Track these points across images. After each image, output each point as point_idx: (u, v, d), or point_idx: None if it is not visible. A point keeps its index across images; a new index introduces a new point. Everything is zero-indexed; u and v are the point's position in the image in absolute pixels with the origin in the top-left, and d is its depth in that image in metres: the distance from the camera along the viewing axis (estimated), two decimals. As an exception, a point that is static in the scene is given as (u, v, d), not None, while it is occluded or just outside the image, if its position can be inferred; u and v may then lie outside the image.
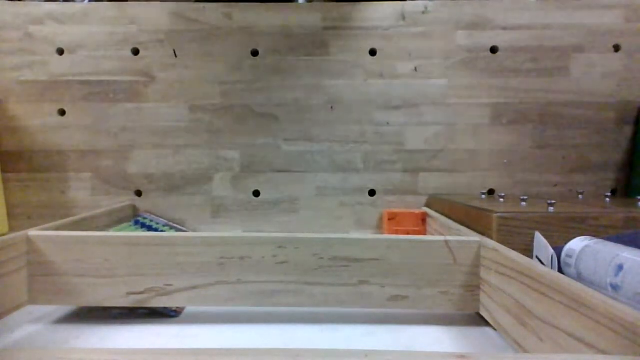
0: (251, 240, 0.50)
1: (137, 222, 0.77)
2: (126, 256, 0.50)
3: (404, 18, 0.82)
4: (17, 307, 0.49)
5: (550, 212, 0.54)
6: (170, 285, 0.50)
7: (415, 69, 0.83)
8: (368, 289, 0.50)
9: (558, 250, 0.47)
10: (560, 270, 0.47)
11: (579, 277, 0.44)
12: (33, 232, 0.51)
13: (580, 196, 0.75)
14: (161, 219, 0.83)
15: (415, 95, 0.83)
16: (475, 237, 0.51)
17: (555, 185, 0.84)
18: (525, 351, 0.38)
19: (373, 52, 0.83)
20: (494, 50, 0.83)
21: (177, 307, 0.54)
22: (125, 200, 0.85)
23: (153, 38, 0.84)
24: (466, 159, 0.84)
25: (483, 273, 0.49)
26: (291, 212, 0.85)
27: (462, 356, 0.26)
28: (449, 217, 0.68)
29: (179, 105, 0.85)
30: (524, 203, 0.64)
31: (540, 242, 0.49)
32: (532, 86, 0.83)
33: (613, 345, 0.28)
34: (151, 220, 0.80)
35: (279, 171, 0.85)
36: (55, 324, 0.51)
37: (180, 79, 0.84)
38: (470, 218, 0.62)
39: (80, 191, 0.85)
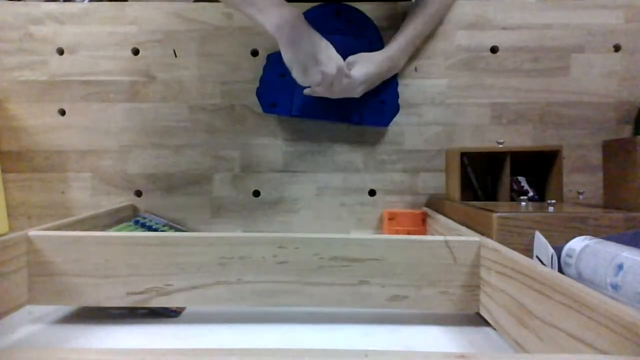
0: (251, 240, 0.50)
1: (137, 222, 0.77)
2: (126, 256, 0.50)
3: (403, 18, 0.82)
4: (17, 307, 0.49)
5: (550, 212, 0.54)
6: (170, 285, 0.50)
7: (415, 69, 0.83)
8: (368, 289, 0.50)
9: (558, 250, 0.47)
10: (560, 270, 0.47)
11: (579, 277, 0.44)
12: (33, 232, 0.51)
13: (581, 196, 0.75)
14: (161, 219, 0.83)
15: (415, 95, 0.83)
16: (475, 237, 0.51)
17: (555, 185, 0.84)
18: (525, 351, 0.38)
19: (373, 52, 0.83)
20: (494, 50, 0.83)
21: (177, 307, 0.54)
22: (125, 200, 0.85)
23: (153, 38, 0.84)
24: (466, 159, 0.84)
25: (483, 273, 0.49)
26: (291, 212, 0.85)
27: (462, 356, 0.26)
28: (449, 217, 0.68)
29: (179, 105, 0.84)
30: (523, 203, 0.64)
31: (540, 242, 0.49)
32: (532, 86, 0.83)
33: (613, 345, 0.28)
34: (151, 220, 0.80)
35: (279, 171, 0.85)
36: (55, 324, 0.51)
37: (180, 79, 0.84)
38: (470, 218, 0.62)
39: (80, 191, 0.85)
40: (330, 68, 0.66)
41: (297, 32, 0.65)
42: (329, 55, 0.66)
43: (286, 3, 0.68)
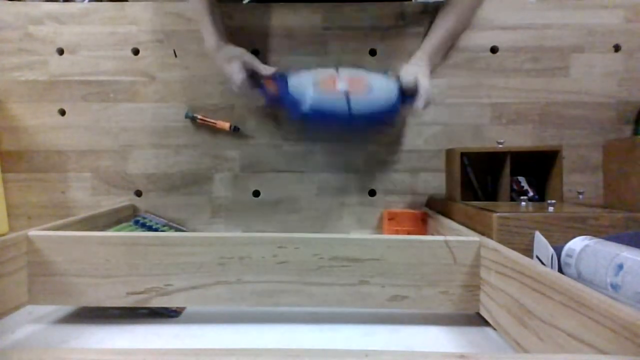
0: (251, 240, 0.50)
1: (137, 222, 0.77)
2: (126, 256, 0.50)
3: (404, 18, 0.82)
4: (17, 307, 0.49)
5: (550, 212, 0.54)
6: (170, 285, 0.50)
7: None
8: (368, 289, 0.50)
9: (558, 250, 0.47)
10: (560, 270, 0.47)
11: (579, 277, 0.44)
12: (33, 232, 0.51)
13: (580, 196, 0.75)
14: (161, 219, 0.83)
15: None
16: (475, 237, 0.51)
17: (555, 185, 0.84)
18: (525, 351, 0.38)
19: (373, 52, 0.83)
20: (494, 50, 0.83)
21: (177, 307, 0.54)
22: (125, 200, 0.85)
23: (153, 38, 0.84)
24: (466, 159, 0.84)
25: (483, 273, 0.49)
26: (291, 212, 0.85)
27: (462, 356, 0.26)
28: (449, 217, 0.68)
29: (179, 105, 0.84)
30: (523, 203, 0.64)
31: (540, 242, 0.49)
32: (532, 86, 0.83)
33: (613, 345, 0.28)
34: (151, 220, 0.80)
35: (279, 171, 0.85)
36: (55, 324, 0.51)
37: (180, 79, 0.84)
38: (470, 218, 0.62)
39: (80, 191, 0.85)
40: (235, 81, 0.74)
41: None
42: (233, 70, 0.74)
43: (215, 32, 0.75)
